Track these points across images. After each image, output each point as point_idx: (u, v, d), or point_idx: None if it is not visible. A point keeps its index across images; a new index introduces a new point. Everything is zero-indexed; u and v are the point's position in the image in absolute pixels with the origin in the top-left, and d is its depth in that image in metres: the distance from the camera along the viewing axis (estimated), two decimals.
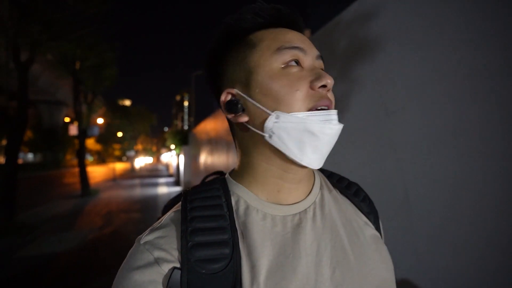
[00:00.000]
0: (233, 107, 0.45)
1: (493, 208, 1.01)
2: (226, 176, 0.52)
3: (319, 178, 0.53)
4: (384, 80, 1.50)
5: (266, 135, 0.43)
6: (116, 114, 22.56)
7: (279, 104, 0.41)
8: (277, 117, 0.41)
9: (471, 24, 1.07)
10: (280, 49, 0.43)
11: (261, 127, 0.43)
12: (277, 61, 0.43)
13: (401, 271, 1.35)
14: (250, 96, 0.44)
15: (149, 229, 0.43)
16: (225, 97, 0.47)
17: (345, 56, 1.79)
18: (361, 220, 0.51)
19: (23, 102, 5.90)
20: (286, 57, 0.43)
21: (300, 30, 0.49)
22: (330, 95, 0.44)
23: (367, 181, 1.59)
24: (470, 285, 1.08)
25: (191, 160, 10.56)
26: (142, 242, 0.41)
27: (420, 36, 1.28)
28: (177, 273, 0.37)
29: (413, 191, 1.33)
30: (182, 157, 11.94)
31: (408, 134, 1.35)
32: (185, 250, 0.38)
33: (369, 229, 0.50)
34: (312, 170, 0.52)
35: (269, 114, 0.42)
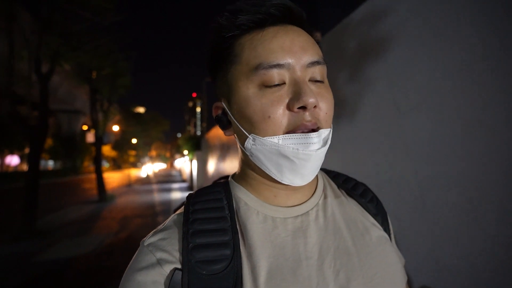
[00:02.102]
0: (219, 122, 0.47)
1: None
2: (229, 179, 0.52)
3: (322, 180, 0.52)
4: (396, 80, 1.47)
5: (248, 154, 0.44)
6: (130, 121, 23.17)
7: (254, 128, 0.41)
8: (254, 140, 0.41)
9: (484, 22, 1.05)
10: (258, 68, 0.39)
11: (243, 145, 0.43)
12: (253, 82, 0.40)
13: (420, 276, 1.30)
14: (232, 114, 0.44)
15: (152, 231, 0.44)
16: (215, 111, 0.48)
17: (356, 57, 1.77)
18: (368, 221, 0.50)
19: (44, 111, 6.16)
20: (262, 79, 0.39)
21: (299, 23, 0.44)
22: (312, 115, 0.39)
23: (381, 183, 1.55)
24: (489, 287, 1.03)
25: (204, 165, 10.66)
26: (145, 244, 0.42)
27: (431, 35, 1.26)
28: (178, 274, 0.37)
29: (428, 194, 1.29)
30: (195, 162, 12.07)
31: (422, 134, 1.32)
32: (186, 252, 0.38)
33: (376, 231, 0.49)
34: None
35: (247, 136, 0.42)
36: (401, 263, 0.50)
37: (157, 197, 11.84)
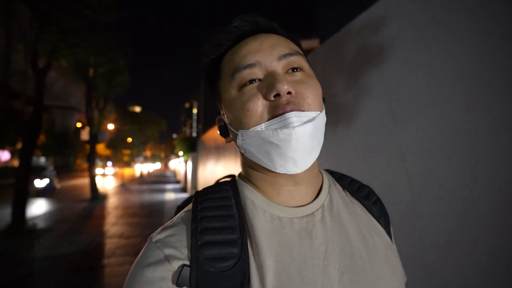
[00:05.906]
0: (221, 132, 0.52)
1: (503, 219, 1.00)
2: (236, 178, 0.53)
3: (327, 181, 0.52)
4: (392, 88, 1.50)
5: (242, 151, 0.47)
6: (126, 120, 22.97)
7: (240, 124, 0.44)
8: (242, 135, 0.44)
9: (481, 31, 1.07)
10: (234, 73, 0.44)
11: (237, 144, 0.47)
12: (233, 86, 0.45)
13: (410, 283, 1.32)
14: (225, 120, 0.49)
15: (161, 227, 0.44)
16: (218, 123, 0.52)
17: (354, 64, 1.81)
18: (371, 224, 0.50)
19: (38, 107, 6.09)
20: (238, 81, 0.44)
21: (271, 31, 0.49)
22: (290, 100, 0.41)
23: (375, 189, 1.58)
24: None
25: (199, 167, 10.62)
26: (154, 240, 0.42)
27: (428, 44, 1.29)
28: (187, 270, 0.38)
29: (421, 201, 1.32)
30: (190, 163, 12.02)
31: (416, 142, 1.35)
32: (195, 248, 0.39)
33: (379, 234, 0.50)
34: (320, 172, 0.52)
35: (237, 134, 0.45)
36: (402, 267, 0.51)
37: (150, 197, 11.74)
